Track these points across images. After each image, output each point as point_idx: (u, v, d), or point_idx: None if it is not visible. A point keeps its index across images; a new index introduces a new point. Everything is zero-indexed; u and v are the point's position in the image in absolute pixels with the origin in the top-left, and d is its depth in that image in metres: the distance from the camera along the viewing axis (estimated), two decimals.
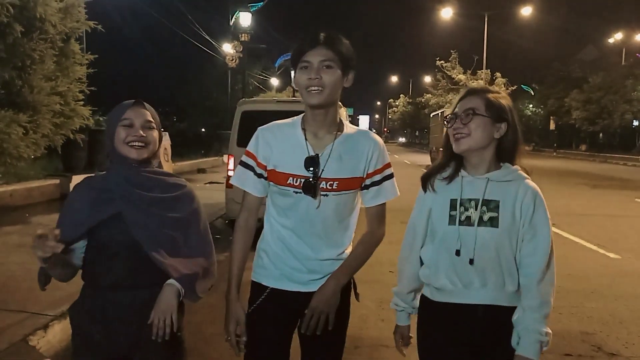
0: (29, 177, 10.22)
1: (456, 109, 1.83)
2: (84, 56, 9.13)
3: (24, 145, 7.76)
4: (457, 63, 37.29)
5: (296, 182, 1.84)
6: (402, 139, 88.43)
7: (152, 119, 1.91)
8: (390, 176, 1.96)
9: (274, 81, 42.21)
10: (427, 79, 49.57)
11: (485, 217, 1.76)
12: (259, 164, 1.91)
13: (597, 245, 7.40)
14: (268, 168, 1.89)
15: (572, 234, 7.83)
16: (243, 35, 24.30)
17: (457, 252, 1.77)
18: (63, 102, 8.58)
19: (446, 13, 34.59)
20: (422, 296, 1.93)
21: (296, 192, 1.85)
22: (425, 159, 28.00)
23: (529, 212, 1.76)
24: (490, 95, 1.81)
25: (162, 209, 1.86)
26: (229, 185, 7.17)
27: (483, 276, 1.76)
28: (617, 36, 43.68)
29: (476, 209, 1.76)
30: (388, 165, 1.95)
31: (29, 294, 4.08)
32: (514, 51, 53.36)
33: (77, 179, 8.33)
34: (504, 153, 1.82)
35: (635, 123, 41.37)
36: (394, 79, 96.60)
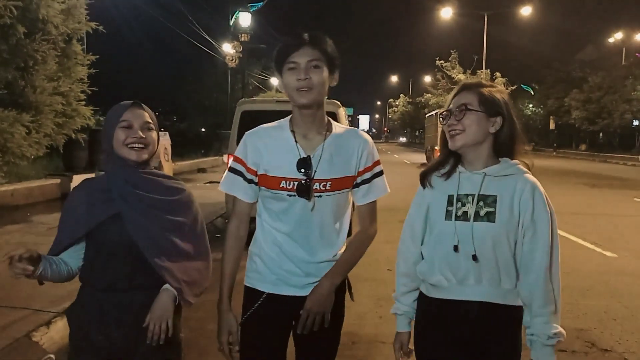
0: (29, 177, 10.29)
1: (450, 105, 1.81)
2: (85, 57, 9.19)
3: (27, 144, 7.82)
4: (456, 63, 37.28)
5: (289, 185, 1.82)
6: (402, 139, 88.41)
7: (150, 120, 1.89)
8: (380, 173, 1.95)
9: (274, 81, 42.18)
10: (427, 78, 49.55)
11: (482, 212, 1.72)
12: (248, 170, 1.88)
13: (593, 243, 7.46)
14: (259, 173, 1.87)
15: (569, 233, 7.93)
16: (243, 35, 24.30)
17: (455, 248, 1.74)
18: (65, 102, 8.64)
19: (446, 13, 34.58)
20: (420, 293, 1.90)
21: (290, 195, 1.82)
22: (422, 158, 28.24)
23: (528, 207, 1.71)
24: (483, 90, 1.78)
25: (161, 211, 1.85)
26: None
27: (479, 272, 1.73)
28: (617, 36, 43.63)
29: (473, 204, 1.74)
30: (377, 163, 1.95)
31: (31, 291, 4.13)
32: (513, 51, 53.23)
33: (77, 178, 8.41)
34: (502, 147, 1.78)
35: (635, 123, 41.30)
36: (394, 78, 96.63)
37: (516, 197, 1.72)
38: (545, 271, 1.70)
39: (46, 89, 8.24)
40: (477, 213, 1.73)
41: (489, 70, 34.88)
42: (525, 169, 1.77)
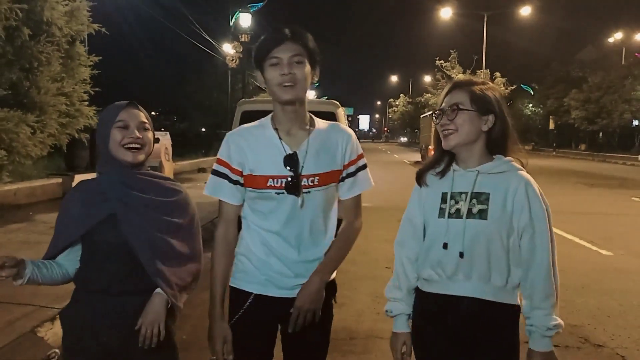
0: (32, 176, 10.37)
1: (443, 104, 1.81)
2: (88, 58, 9.27)
3: (32, 144, 7.90)
4: (456, 63, 37.33)
5: (277, 183, 1.80)
6: (403, 139, 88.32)
7: (146, 120, 1.87)
8: (364, 167, 1.94)
9: None
10: (427, 78, 49.57)
11: (475, 210, 1.73)
12: (233, 171, 1.84)
13: (589, 242, 7.53)
14: (244, 173, 1.84)
15: (566, 231, 7.98)
16: (243, 35, 24.32)
17: (445, 245, 1.75)
18: (69, 102, 8.71)
19: (446, 13, 34.60)
20: (416, 289, 1.91)
21: (278, 193, 1.80)
22: (419, 157, 28.59)
23: (524, 207, 1.71)
24: (475, 88, 1.78)
25: (157, 213, 1.83)
26: None
27: (469, 269, 1.73)
28: (617, 36, 43.64)
29: (466, 202, 1.75)
30: (361, 156, 1.94)
31: (35, 288, 4.15)
32: (513, 51, 53.37)
33: (79, 178, 8.47)
34: (495, 145, 1.78)
35: (635, 123, 41.29)
36: (394, 78, 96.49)
37: (510, 194, 1.72)
38: (547, 268, 1.71)
39: (50, 90, 8.32)
40: (469, 210, 1.74)
41: (488, 70, 34.89)
42: (519, 166, 1.78)
